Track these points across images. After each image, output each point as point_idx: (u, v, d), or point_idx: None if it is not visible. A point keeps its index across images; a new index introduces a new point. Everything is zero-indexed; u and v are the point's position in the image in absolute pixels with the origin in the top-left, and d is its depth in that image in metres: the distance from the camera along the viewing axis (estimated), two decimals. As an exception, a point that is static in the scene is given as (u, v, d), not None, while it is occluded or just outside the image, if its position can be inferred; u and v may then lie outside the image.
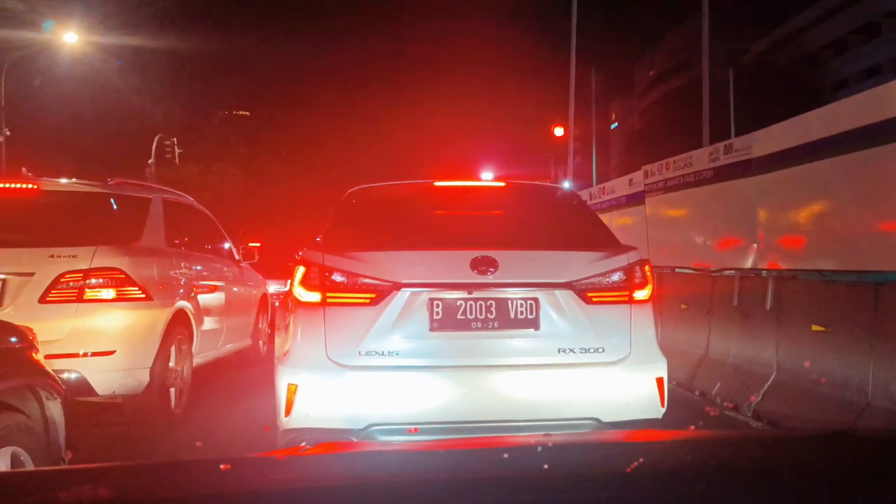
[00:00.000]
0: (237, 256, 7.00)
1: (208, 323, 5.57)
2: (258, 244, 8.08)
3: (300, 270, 3.03)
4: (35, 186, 4.60)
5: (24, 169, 5.09)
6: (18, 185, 4.61)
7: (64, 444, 2.62)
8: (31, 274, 4.11)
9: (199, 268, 5.62)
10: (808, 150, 4.94)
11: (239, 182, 34.31)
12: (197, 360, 5.34)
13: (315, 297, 2.96)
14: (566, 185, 15.61)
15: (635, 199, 8.85)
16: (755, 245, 5.68)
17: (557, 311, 3.00)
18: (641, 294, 3.14)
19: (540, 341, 2.99)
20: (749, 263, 5.70)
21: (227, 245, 6.88)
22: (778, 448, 1.29)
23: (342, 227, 3.48)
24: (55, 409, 2.60)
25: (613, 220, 9.06)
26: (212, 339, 5.76)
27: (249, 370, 6.74)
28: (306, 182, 35.23)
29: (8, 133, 17.83)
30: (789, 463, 1.10)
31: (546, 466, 0.97)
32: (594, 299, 3.05)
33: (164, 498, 0.91)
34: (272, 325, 7.74)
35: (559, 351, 2.99)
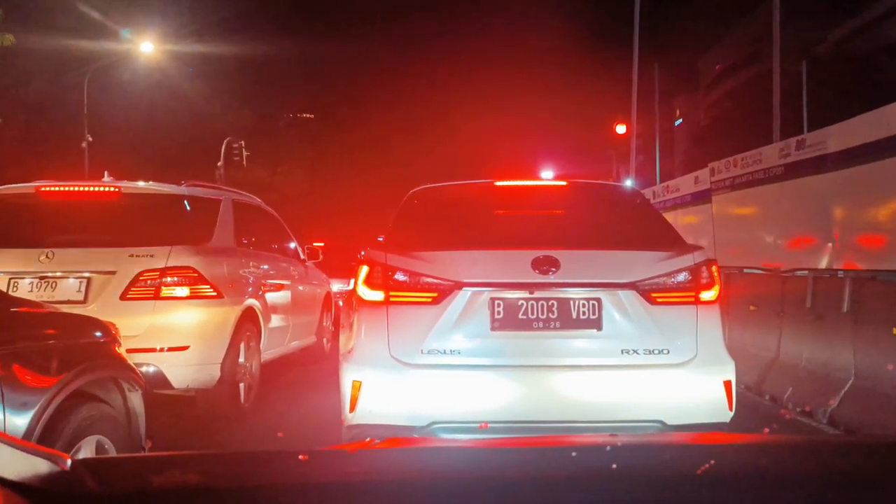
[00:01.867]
0: (302, 256, 7.18)
1: (275, 320, 5.74)
2: (322, 243, 8.27)
3: (363, 270, 3.10)
4: (116, 189, 4.83)
5: (105, 173, 5.37)
6: (102, 189, 4.87)
7: (144, 434, 2.76)
8: (113, 272, 4.34)
9: (266, 267, 5.80)
10: (888, 145, 4.71)
11: (303, 183, 35.13)
12: (265, 357, 5.51)
13: (378, 295, 3.02)
14: (629, 183, 15.32)
15: (701, 198, 8.63)
16: (830, 244, 5.45)
17: (620, 311, 2.97)
18: (708, 295, 3.07)
19: (602, 342, 2.96)
20: (823, 263, 5.48)
21: (292, 244, 7.06)
22: (856, 455, 1.24)
23: (404, 226, 3.53)
24: (136, 400, 2.74)
25: (678, 219, 8.86)
26: (279, 337, 5.93)
27: (314, 367, 6.91)
28: (369, 182, 35.76)
29: (90, 139, 18.81)
30: (867, 471, 1.06)
31: (614, 466, 0.97)
32: (659, 300, 3.00)
33: (247, 485, 0.96)
34: (336, 323, 7.90)
35: (622, 352, 2.95)
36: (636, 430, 2.93)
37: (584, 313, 2.96)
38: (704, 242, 3.93)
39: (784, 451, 1.25)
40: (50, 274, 4.35)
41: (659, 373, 2.97)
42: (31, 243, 4.42)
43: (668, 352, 2.97)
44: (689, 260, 3.08)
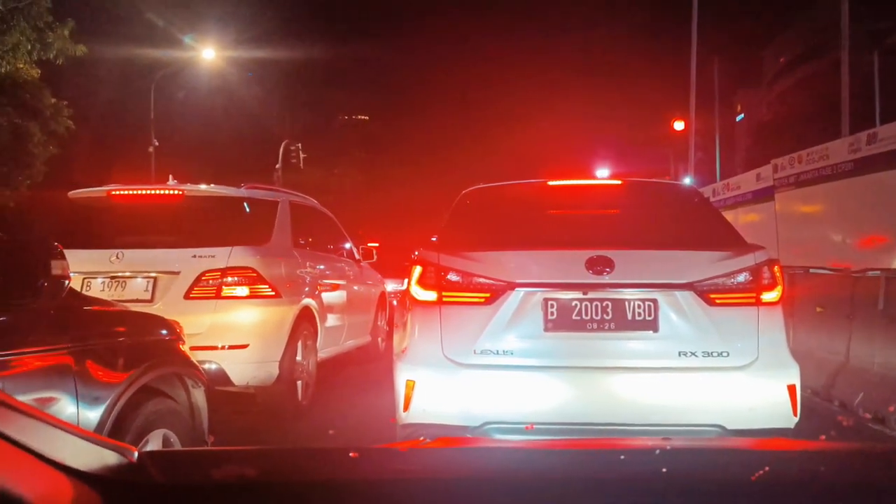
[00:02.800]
0: (357, 256, 7.28)
1: (331, 320, 5.85)
2: (377, 244, 8.39)
3: (417, 270, 3.12)
4: (180, 192, 5.01)
5: (170, 176, 5.58)
6: (167, 192, 5.06)
7: (207, 429, 2.86)
8: (178, 273, 4.50)
9: (322, 267, 5.91)
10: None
11: (358, 184, 35.65)
12: (321, 355, 5.62)
13: (431, 295, 3.04)
14: (687, 181, 14.94)
15: (763, 196, 8.35)
16: (903, 243, 5.19)
17: (678, 312, 2.90)
18: (770, 296, 2.97)
19: (659, 344, 2.91)
20: (896, 263, 5.22)
21: (347, 245, 7.18)
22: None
23: (457, 227, 3.54)
24: (199, 396, 2.84)
25: (739, 218, 8.61)
26: (334, 336, 6.04)
27: (369, 366, 7.00)
28: (422, 183, 36.04)
29: (157, 144, 19.60)
30: None
31: (664, 470, 0.96)
32: (717, 301, 2.92)
33: (301, 480, 0.99)
34: (390, 323, 8.00)
35: (679, 354, 2.89)
36: (694, 434, 2.86)
37: (639, 314, 2.91)
38: (766, 242, 3.80)
39: (852, 459, 1.20)
40: (119, 274, 4.54)
41: (718, 376, 2.89)
42: (102, 244, 4.63)
43: (728, 354, 2.89)
44: (749, 260, 2.99)
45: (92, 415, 2.07)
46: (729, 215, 6.30)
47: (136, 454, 0.95)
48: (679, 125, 23.52)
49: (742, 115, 38.85)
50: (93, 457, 0.86)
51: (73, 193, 5.21)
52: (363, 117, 42.45)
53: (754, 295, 2.95)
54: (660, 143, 30.50)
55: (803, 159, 7.00)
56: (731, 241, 3.22)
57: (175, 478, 0.98)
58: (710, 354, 2.88)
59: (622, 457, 1.05)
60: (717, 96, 27.21)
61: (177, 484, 0.96)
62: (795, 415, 2.87)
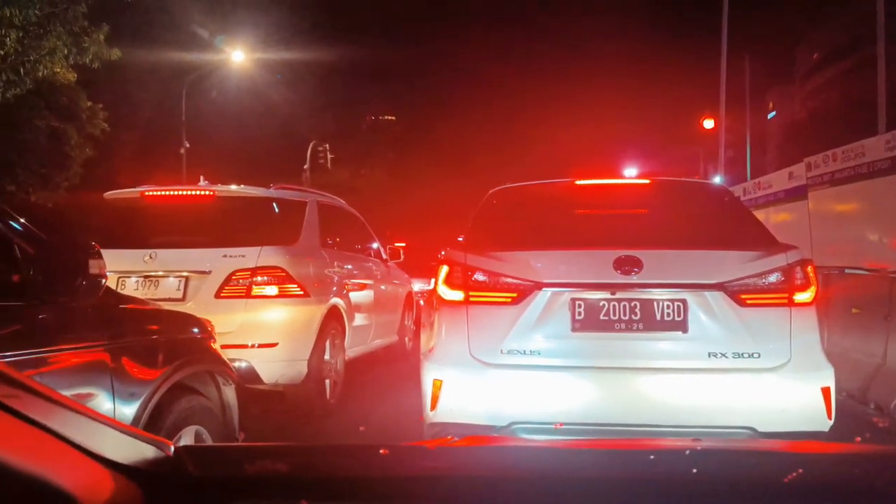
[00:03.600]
0: (384, 256, 7.33)
1: (359, 319, 5.90)
2: (403, 244, 8.41)
3: (443, 270, 3.13)
4: (211, 193, 5.10)
5: (201, 177, 5.68)
6: (198, 192, 5.15)
7: (237, 426, 2.91)
8: (208, 272, 4.58)
9: (350, 267, 5.96)
10: None
11: (385, 184, 35.81)
12: (349, 354, 5.67)
13: (458, 295, 3.05)
14: (717, 180, 14.73)
15: (795, 194, 8.20)
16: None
17: (707, 313, 2.87)
18: (803, 296, 2.92)
19: (688, 344, 2.88)
20: (935, 264, 5.08)
21: (375, 245, 7.22)
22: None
23: (484, 226, 3.54)
24: (230, 393, 2.88)
25: (770, 218, 8.47)
26: (362, 335, 6.08)
27: (396, 365, 7.04)
28: (449, 183, 36.02)
29: (188, 145, 19.94)
30: None
31: (694, 471, 0.95)
32: (748, 301, 2.89)
33: (331, 476, 1.01)
34: (417, 322, 8.03)
35: (709, 355, 2.85)
36: (725, 436, 2.83)
37: (668, 315, 2.88)
38: (799, 241, 3.73)
39: (888, 462, 1.18)
40: (153, 273, 4.63)
41: (749, 377, 2.85)
42: (136, 244, 4.72)
43: (759, 356, 2.85)
44: (781, 260, 2.95)
45: (128, 410, 2.12)
46: (760, 215, 6.21)
47: (172, 448, 0.97)
48: (709, 123, 23.19)
49: (774, 113, 38.16)
50: (131, 450, 0.89)
51: (108, 194, 5.33)
52: (390, 118, 42.66)
53: (787, 295, 2.91)
54: (689, 141, 30.12)
55: (838, 157, 6.86)
56: (762, 240, 3.17)
57: (209, 472, 1.00)
58: (740, 355, 2.85)
59: (651, 457, 1.05)
60: (748, 93, 26.76)
61: (211, 478, 0.98)
62: (830, 418, 2.82)
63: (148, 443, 0.93)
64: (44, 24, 9.99)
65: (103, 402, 2.01)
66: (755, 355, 2.84)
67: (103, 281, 2.07)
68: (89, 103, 15.10)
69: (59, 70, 11.67)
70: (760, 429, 2.78)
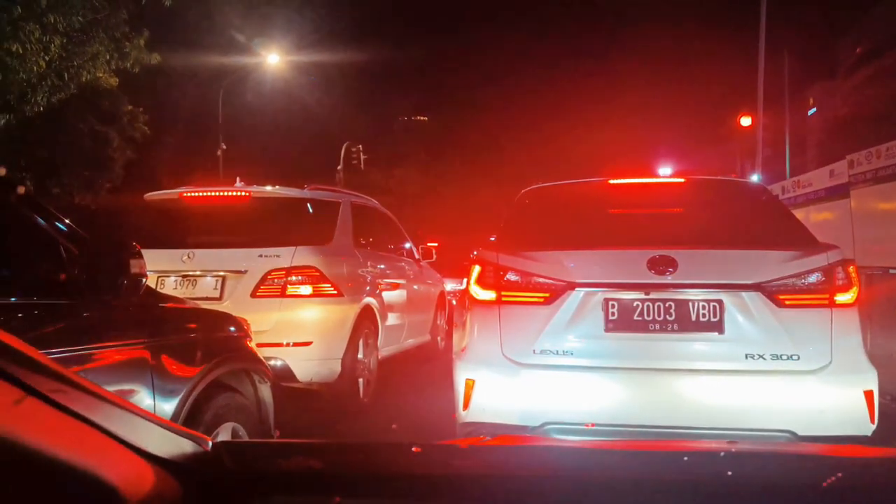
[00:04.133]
0: (417, 256, 7.36)
1: (391, 318, 5.93)
2: (436, 244, 8.45)
3: (475, 269, 3.13)
4: (247, 194, 5.19)
5: (237, 179, 5.78)
6: (234, 193, 5.24)
7: (273, 423, 2.95)
8: (245, 272, 4.66)
9: (383, 266, 6.00)
10: None
11: (418, 184, 35.96)
12: (382, 353, 5.71)
13: (490, 295, 3.05)
14: (754, 178, 14.43)
15: (837, 193, 7.98)
16: None
17: (744, 314, 2.82)
18: (844, 297, 2.85)
19: (724, 346, 2.83)
20: None
21: (407, 245, 7.26)
22: None
23: (516, 226, 3.54)
24: (266, 391, 2.93)
25: (810, 217, 8.26)
26: (395, 334, 6.12)
27: (429, 364, 7.06)
28: (482, 183, 36.03)
29: (224, 147, 20.31)
30: None
31: (729, 473, 0.94)
32: (787, 302, 2.82)
33: (365, 473, 1.02)
34: (450, 322, 8.04)
35: (746, 357, 2.80)
36: (764, 439, 2.77)
37: (703, 315, 2.84)
38: (841, 241, 3.63)
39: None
40: (191, 273, 4.73)
41: (788, 380, 2.79)
42: (175, 244, 4.83)
43: (799, 358, 2.78)
44: (821, 260, 2.88)
45: (167, 407, 2.17)
46: (799, 214, 6.06)
47: (210, 444, 0.99)
48: (746, 121, 22.70)
49: (814, 110, 37.22)
50: (172, 445, 0.92)
51: (148, 195, 5.46)
52: (423, 118, 42.82)
53: (827, 296, 2.84)
54: (725, 140, 29.55)
55: (882, 154, 6.66)
56: (801, 240, 3.11)
57: (246, 467, 1.02)
58: (779, 357, 2.79)
59: (685, 458, 1.04)
60: (788, 90, 26.15)
61: (248, 473, 1.00)
62: (873, 421, 2.74)
63: (187, 438, 0.96)
64: (87, 30, 10.29)
65: (144, 399, 2.06)
66: (794, 357, 2.78)
67: (144, 280, 2.12)
68: (130, 107, 15.50)
69: (101, 75, 12.00)
70: (800, 432, 2.72)
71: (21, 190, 1.82)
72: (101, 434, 0.79)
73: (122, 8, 10.79)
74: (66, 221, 1.93)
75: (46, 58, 9.79)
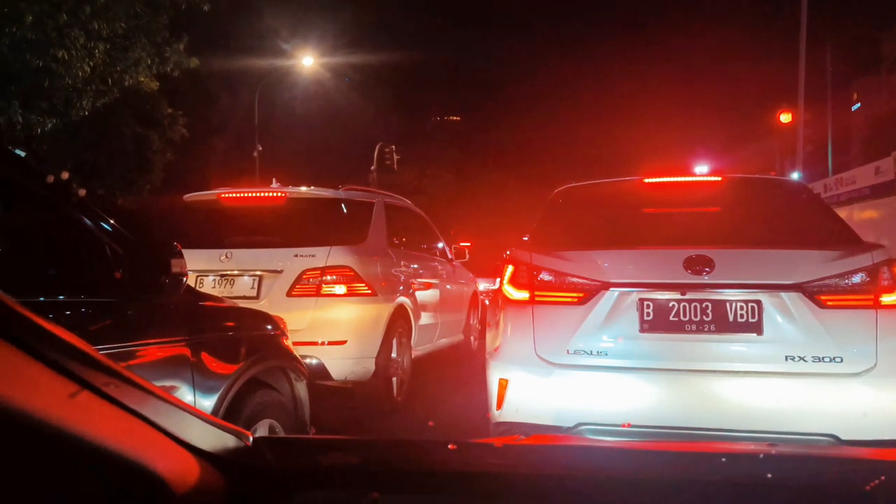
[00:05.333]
0: (450, 255, 7.38)
1: (425, 318, 5.96)
2: (468, 243, 8.46)
3: (509, 269, 3.13)
4: (283, 194, 5.27)
5: (273, 179, 5.87)
6: (270, 194, 5.33)
7: (309, 420, 2.99)
8: (280, 271, 4.73)
9: (416, 266, 6.03)
10: None
11: (450, 185, 36.01)
12: (415, 353, 5.74)
13: (523, 295, 3.04)
14: (794, 177, 14.11)
15: (883, 190, 7.76)
16: None
17: (784, 315, 2.77)
18: (890, 298, 2.77)
19: (763, 347, 2.78)
20: None
21: (440, 245, 7.28)
22: None
23: (550, 226, 3.52)
24: (302, 389, 2.97)
25: (854, 215, 8.04)
26: (428, 333, 6.14)
27: (462, 364, 7.07)
28: (514, 182, 35.95)
29: (260, 149, 20.65)
30: None
31: (769, 475, 0.93)
32: (829, 303, 2.76)
33: (401, 469, 1.04)
34: (482, 322, 8.05)
35: (787, 358, 2.75)
36: (805, 443, 2.71)
37: (741, 316, 2.79)
38: (886, 240, 3.53)
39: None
40: (228, 272, 4.83)
41: (830, 382, 2.73)
42: (213, 244, 4.93)
43: (842, 360, 2.72)
44: (866, 259, 2.81)
45: (207, 403, 2.22)
46: (843, 212, 5.90)
47: (251, 439, 1.02)
48: (786, 118, 22.18)
49: (858, 105, 36.19)
50: (215, 439, 0.94)
51: (187, 197, 5.58)
52: (455, 118, 42.86)
53: (872, 297, 2.77)
54: (764, 137, 28.93)
55: (929, 151, 6.44)
56: (844, 239, 3.03)
57: (286, 462, 1.05)
58: (820, 359, 2.73)
59: (723, 460, 1.03)
60: (830, 85, 25.47)
61: (288, 468, 1.03)
62: (919, 425, 2.67)
63: (230, 433, 0.99)
64: (129, 35, 10.57)
65: (185, 395, 2.11)
66: (837, 359, 2.72)
67: (184, 279, 2.18)
68: (170, 110, 15.87)
69: (143, 79, 12.31)
70: (843, 436, 2.66)
71: (82, 193, 1.88)
72: (150, 427, 0.82)
73: (163, 13, 11.06)
74: (112, 222, 1.99)
75: (91, 63, 10.07)
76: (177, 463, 0.85)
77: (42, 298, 1.75)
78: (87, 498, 0.76)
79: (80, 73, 9.98)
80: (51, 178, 1.81)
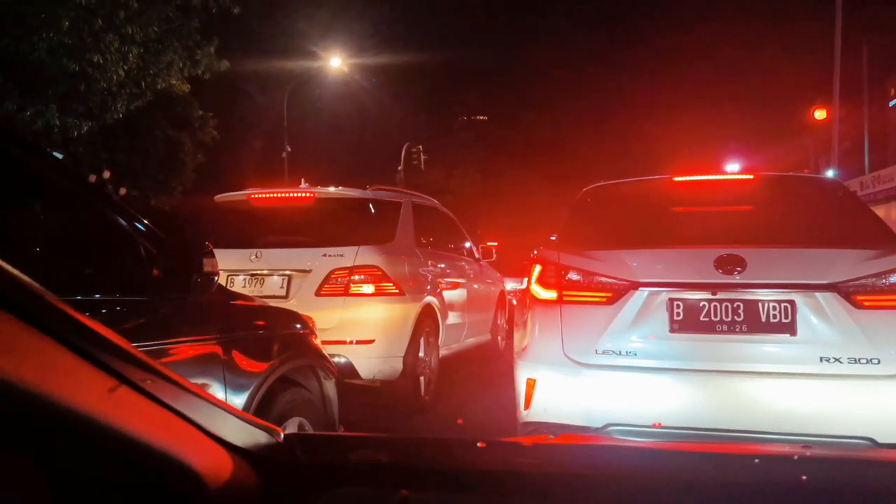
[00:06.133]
0: (477, 255, 7.38)
1: (452, 317, 5.97)
2: (495, 243, 8.44)
3: (536, 269, 3.12)
4: (311, 195, 5.32)
5: (302, 180, 5.93)
6: (299, 194, 5.38)
7: (337, 418, 3.02)
8: (309, 271, 4.78)
9: (443, 266, 6.04)
10: None
11: (477, 184, 35.99)
12: (442, 352, 5.75)
13: (551, 294, 3.03)
14: (829, 174, 13.81)
15: (922, 188, 7.55)
16: None
17: (819, 315, 2.71)
18: (930, 299, 2.70)
19: (797, 348, 2.73)
20: None
21: (467, 244, 7.29)
22: None
23: (578, 225, 3.50)
24: (330, 387, 3.00)
25: (892, 214, 7.84)
26: (455, 333, 6.15)
27: (489, 364, 7.07)
28: (541, 182, 35.78)
29: (289, 149, 20.89)
30: None
31: (804, 477, 0.91)
32: (866, 304, 2.70)
33: (430, 467, 1.04)
34: (510, 321, 8.03)
35: (821, 360, 2.69)
36: (840, 446, 2.66)
37: (774, 316, 2.75)
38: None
39: None
40: (258, 272, 4.89)
41: (867, 384, 2.67)
42: (243, 244, 5.00)
43: (879, 362, 2.66)
44: (904, 259, 2.73)
45: (237, 400, 2.25)
46: (880, 211, 5.76)
47: (282, 435, 1.04)
48: (820, 114, 21.70)
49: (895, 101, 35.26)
50: (247, 435, 0.96)
51: (218, 197, 5.67)
52: (482, 117, 42.82)
53: None
54: (797, 135, 28.34)
55: (971, 147, 6.26)
56: (881, 238, 2.96)
57: (317, 458, 1.06)
58: (857, 361, 2.67)
59: (756, 461, 1.01)
60: (866, 80, 24.86)
61: (318, 464, 1.04)
62: (960, 429, 2.59)
63: (262, 429, 1.00)
64: (162, 39, 10.77)
65: (216, 392, 2.14)
66: (874, 361, 2.66)
67: (216, 278, 2.21)
68: (201, 112, 16.13)
69: (175, 82, 12.53)
70: (880, 440, 2.60)
71: (122, 192, 1.93)
72: (185, 422, 0.84)
73: (195, 17, 11.24)
74: (146, 222, 2.03)
75: (125, 67, 10.29)
76: (211, 458, 0.86)
77: (79, 297, 1.79)
78: (125, 489, 0.78)
79: (115, 77, 10.19)
80: (93, 178, 1.86)
